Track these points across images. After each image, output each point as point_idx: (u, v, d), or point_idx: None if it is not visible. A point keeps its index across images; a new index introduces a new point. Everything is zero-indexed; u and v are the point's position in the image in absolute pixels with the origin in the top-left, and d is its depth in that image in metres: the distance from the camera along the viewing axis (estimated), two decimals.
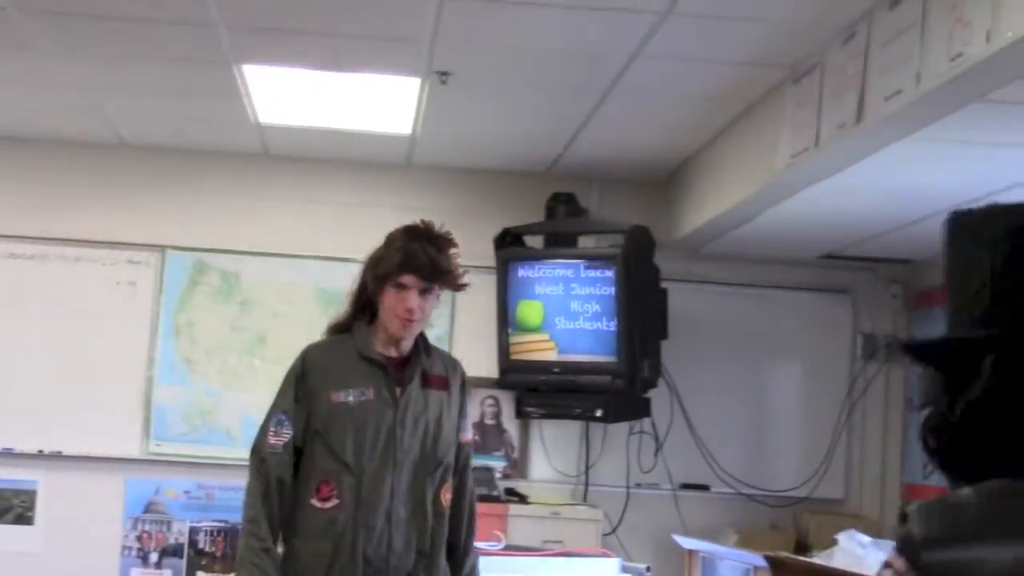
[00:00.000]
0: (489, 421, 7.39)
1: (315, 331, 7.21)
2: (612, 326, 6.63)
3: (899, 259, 7.27)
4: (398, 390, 4.13)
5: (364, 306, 4.21)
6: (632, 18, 4.71)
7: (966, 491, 1.51)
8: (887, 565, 1.52)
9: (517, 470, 7.40)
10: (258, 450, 4.13)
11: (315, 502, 4.09)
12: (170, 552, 7.20)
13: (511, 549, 5.81)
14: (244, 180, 7.36)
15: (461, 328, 7.20)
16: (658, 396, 7.00)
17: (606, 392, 6.69)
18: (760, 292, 7.52)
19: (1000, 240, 1.57)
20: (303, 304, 7.29)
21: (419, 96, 5.92)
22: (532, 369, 6.90)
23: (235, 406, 7.21)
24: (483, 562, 4.48)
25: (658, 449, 7.34)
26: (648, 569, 5.66)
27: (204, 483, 7.23)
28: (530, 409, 7.04)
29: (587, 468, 7.35)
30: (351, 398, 4.10)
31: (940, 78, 3.86)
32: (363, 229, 7.37)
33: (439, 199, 7.31)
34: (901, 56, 4.11)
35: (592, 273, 6.72)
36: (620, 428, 7.21)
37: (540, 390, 6.95)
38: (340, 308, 4.33)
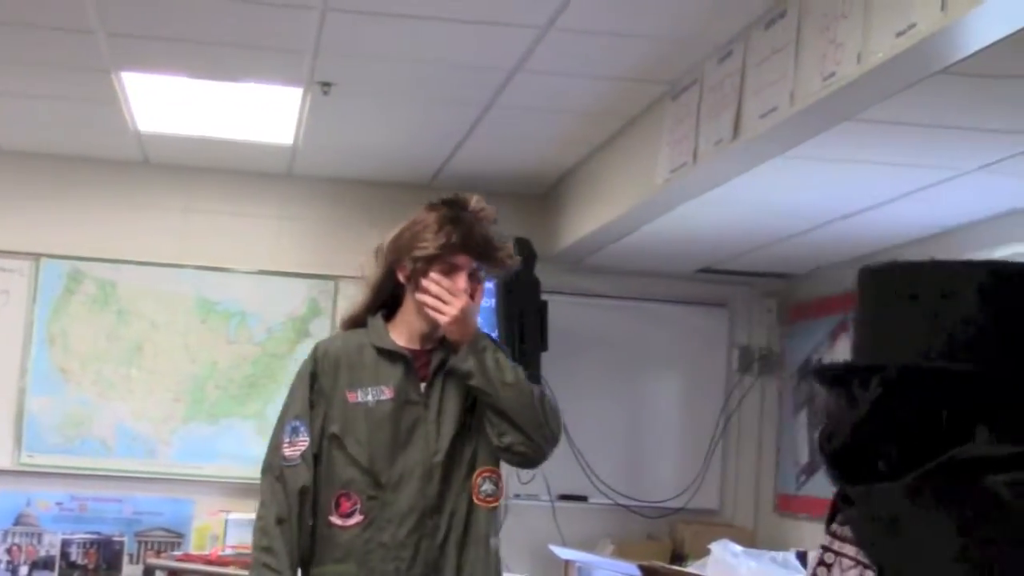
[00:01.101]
0: None
1: (193, 341, 7.30)
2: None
3: (774, 273, 7.38)
4: (423, 386, 3.63)
5: (384, 300, 3.73)
6: (513, 32, 4.75)
7: (886, 484, 1.68)
8: (831, 553, 1.72)
9: None
10: (272, 467, 3.62)
11: (335, 519, 3.59)
12: (41, 565, 7.06)
13: None
14: (122, 188, 7.26)
15: None
16: None
17: None
18: (639, 305, 7.60)
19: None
20: (182, 314, 7.22)
21: (301, 106, 5.90)
22: None
23: (110, 416, 7.11)
24: None
25: None
26: None
27: (77, 494, 7.11)
28: None
29: None
30: (370, 397, 3.60)
31: (813, 96, 3.94)
32: (243, 239, 7.40)
33: (320, 210, 7.30)
34: (776, 75, 4.19)
35: None
36: None
37: None
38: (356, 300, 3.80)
